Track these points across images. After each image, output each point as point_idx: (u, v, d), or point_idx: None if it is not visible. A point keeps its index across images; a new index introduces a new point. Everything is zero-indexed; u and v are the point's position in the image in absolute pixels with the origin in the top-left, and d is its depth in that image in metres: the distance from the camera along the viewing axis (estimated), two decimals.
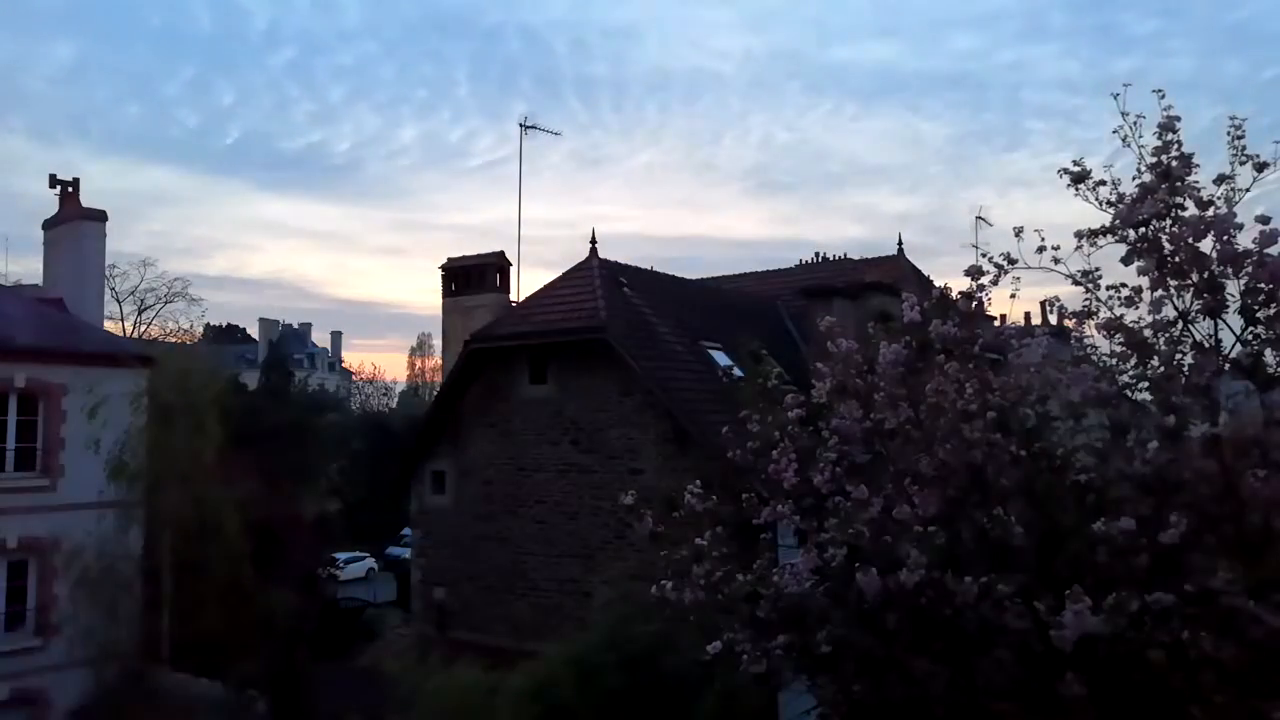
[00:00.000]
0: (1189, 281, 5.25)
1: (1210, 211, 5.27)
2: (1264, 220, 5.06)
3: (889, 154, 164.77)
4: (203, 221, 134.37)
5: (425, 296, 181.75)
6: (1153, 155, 5.45)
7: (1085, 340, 5.87)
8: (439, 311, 22.94)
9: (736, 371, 18.16)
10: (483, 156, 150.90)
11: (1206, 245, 5.22)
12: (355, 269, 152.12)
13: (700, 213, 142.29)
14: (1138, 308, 5.47)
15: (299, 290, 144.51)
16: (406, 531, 29.00)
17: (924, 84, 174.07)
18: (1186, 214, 5.32)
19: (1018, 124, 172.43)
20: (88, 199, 22.07)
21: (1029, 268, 5.74)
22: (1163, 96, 5.42)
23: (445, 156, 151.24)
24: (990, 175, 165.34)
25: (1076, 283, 5.65)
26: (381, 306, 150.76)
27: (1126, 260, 5.42)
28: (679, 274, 24.08)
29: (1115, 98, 5.48)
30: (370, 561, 40.98)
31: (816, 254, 28.27)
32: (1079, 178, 5.63)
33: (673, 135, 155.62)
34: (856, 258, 26.73)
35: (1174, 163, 5.38)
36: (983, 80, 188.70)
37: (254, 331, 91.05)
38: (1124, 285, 5.54)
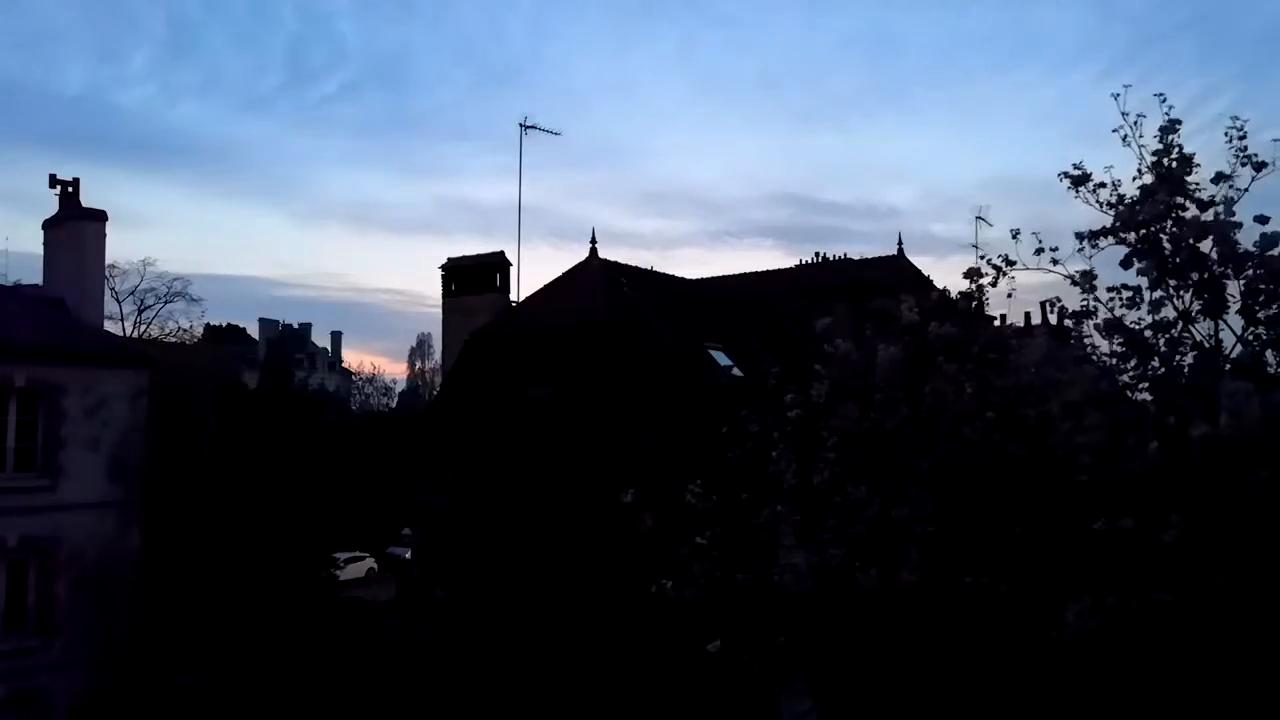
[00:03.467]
0: (1189, 282, 5.26)
1: (1210, 213, 5.28)
2: (1263, 220, 5.07)
3: (858, 71, 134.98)
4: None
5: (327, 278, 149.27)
6: (1153, 157, 5.46)
7: (1085, 340, 5.87)
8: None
9: (736, 371, 18.16)
10: (329, 78, 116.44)
11: (1206, 246, 5.23)
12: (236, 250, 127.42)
13: (644, 159, 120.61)
14: (1138, 308, 5.48)
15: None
16: (406, 531, 29.01)
17: None
18: (1187, 215, 5.33)
19: (1025, 19, 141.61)
20: None
21: (1028, 269, 5.76)
22: (1164, 99, 5.46)
23: (289, 81, 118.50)
24: (996, 110, 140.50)
25: (1075, 284, 5.66)
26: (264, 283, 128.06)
27: (1126, 263, 5.43)
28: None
29: (1115, 98, 5.52)
30: (370, 561, 40.95)
31: (816, 254, 29.00)
32: (1079, 180, 5.65)
33: (565, 36, 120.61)
34: (857, 257, 27.29)
35: (1174, 164, 5.39)
36: None
37: (254, 331, 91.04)
38: (1125, 286, 5.55)
